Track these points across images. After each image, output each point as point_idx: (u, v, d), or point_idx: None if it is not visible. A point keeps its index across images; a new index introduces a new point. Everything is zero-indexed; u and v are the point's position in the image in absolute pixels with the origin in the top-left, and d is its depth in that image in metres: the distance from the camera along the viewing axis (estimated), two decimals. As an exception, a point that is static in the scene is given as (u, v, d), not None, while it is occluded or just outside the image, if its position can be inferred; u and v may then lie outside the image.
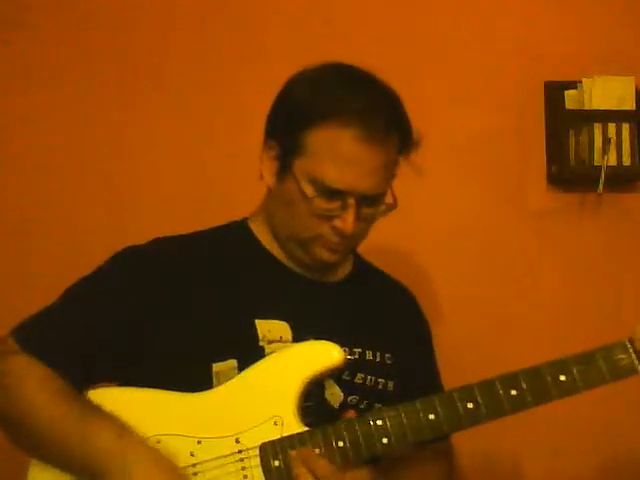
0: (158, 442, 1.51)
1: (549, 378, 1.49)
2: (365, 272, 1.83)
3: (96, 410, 1.52)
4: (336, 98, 1.58)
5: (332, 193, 1.57)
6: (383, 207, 1.64)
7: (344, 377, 1.63)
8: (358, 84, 1.62)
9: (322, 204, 1.59)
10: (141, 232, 1.73)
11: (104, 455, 1.46)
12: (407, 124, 1.65)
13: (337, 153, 1.56)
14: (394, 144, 1.62)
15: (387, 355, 1.71)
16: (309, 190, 1.58)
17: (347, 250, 1.69)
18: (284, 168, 1.62)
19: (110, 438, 1.47)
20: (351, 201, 1.58)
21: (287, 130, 1.61)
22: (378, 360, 1.70)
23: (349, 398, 1.64)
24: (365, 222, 1.64)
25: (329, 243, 1.63)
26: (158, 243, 1.70)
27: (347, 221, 1.58)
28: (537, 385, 1.49)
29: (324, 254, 1.65)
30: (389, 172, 1.63)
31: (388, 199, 1.65)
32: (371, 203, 1.62)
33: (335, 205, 1.59)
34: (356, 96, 1.59)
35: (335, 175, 1.56)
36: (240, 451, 1.51)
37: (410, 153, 1.66)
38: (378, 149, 1.57)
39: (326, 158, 1.57)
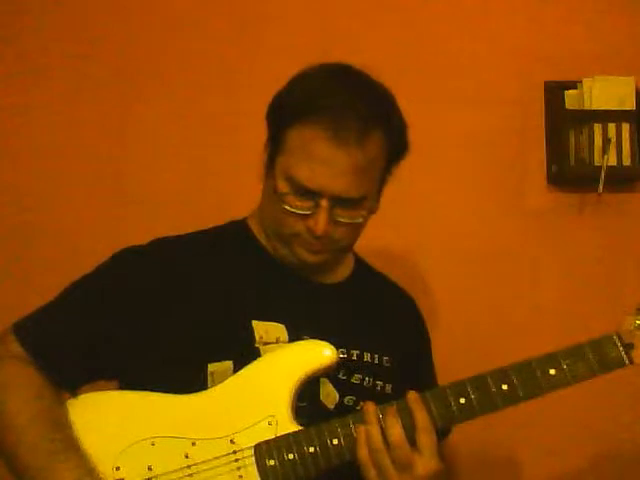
0: (152, 445, 1.52)
1: (539, 372, 1.50)
2: (365, 274, 1.82)
3: (69, 446, 1.51)
4: (311, 97, 1.57)
5: (304, 192, 1.57)
6: (363, 212, 1.62)
7: (340, 377, 1.63)
8: (339, 84, 1.60)
9: (295, 202, 1.58)
10: (141, 232, 1.74)
11: None
12: (396, 127, 1.62)
13: (309, 152, 1.56)
14: (375, 146, 1.58)
15: (385, 358, 1.71)
16: (283, 187, 1.58)
17: (329, 253, 1.66)
18: (270, 165, 1.63)
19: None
20: (323, 202, 1.57)
21: (272, 128, 1.63)
22: (376, 362, 1.69)
23: (345, 399, 1.64)
24: (345, 226, 1.61)
25: (306, 243, 1.62)
26: (157, 243, 1.71)
27: (318, 222, 1.57)
28: (528, 379, 1.50)
29: (304, 254, 1.64)
30: (369, 175, 1.59)
31: (374, 205, 1.64)
32: (348, 206, 1.59)
33: (308, 204, 1.58)
34: (333, 96, 1.56)
35: (306, 174, 1.56)
36: (235, 452, 1.51)
37: (400, 158, 1.65)
38: (351, 151, 1.55)
39: (300, 156, 1.57)
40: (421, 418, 1.48)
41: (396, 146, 1.63)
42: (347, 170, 1.56)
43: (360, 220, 1.62)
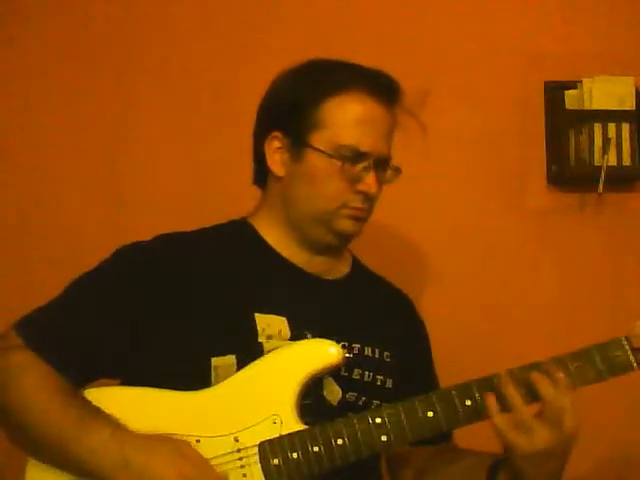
0: None
1: (547, 375, 1.49)
2: (363, 273, 1.85)
3: (93, 409, 1.53)
4: (342, 72, 1.68)
5: (356, 157, 1.64)
6: (390, 172, 1.72)
7: (342, 373, 1.64)
8: (351, 63, 1.71)
9: (347, 170, 1.65)
10: (141, 231, 1.74)
11: (99, 452, 1.48)
12: (402, 95, 1.73)
13: (356, 117, 1.65)
14: (397, 110, 1.71)
15: (386, 353, 1.72)
16: (336, 157, 1.64)
17: (366, 218, 1.72)
18: (300, 148, 1.67)
19: (105, 435, 1.49)
20: (371, 163, 1.66)
21: (297, 111, 1.67)
22: (377, 357, 1.71)
23: (347, 395, 1.64)
24: (380, 187, 1.70)
25: (353, 211, 1.68)
26: (160, 239, 1.72)
27: (370, 182, 1.66)
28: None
29: (347, 224, 1.69)
30: (393, 134, 1.72)
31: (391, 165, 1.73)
32: (382, 167, 1.70)
33: (358, 169, 1.65)
34: (358, 69, 1.70)
35: (358, 138, 1.65)
36: (239, 450, 1.51)
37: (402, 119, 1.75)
38: (389, 112, 1.69)
39: (347, 124, 1.65)
40: (563, 378, 1.48)
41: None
42: (387, 129, 1.70)
43: (389, 180, 1.72)
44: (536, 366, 1.51)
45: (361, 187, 1.66)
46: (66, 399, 1.54)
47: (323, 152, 1.65)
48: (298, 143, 1.67)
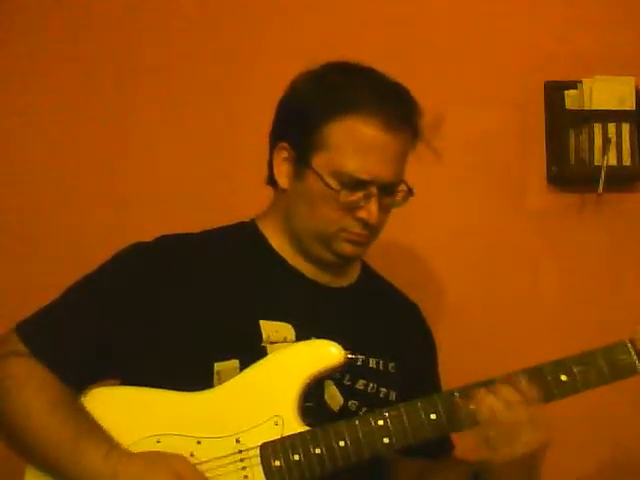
0: (158, 442, 1.51)
1: (550, 378, 1.50)
2: (371, 280, 1.82)
3: (90, 427, 1.52)
4: (352, 90, 1.61)
5: (356, 184, 1.59)
6: (400, 195, 1.66)
7: (345, 382, 1.63)
8: (368, 77, 1.65)
9: (347, 196, 1.60)
10: (142, 232, 1.73)
11: (94, 474, 1.47)
12: (418, 115, 1.66)
13: (359, 143, 1.59)
14: (413, 129, 1.64)
15: (391, 364, 1.70)
16: (333, 183, 1.60)
17: (369, 242, 1.68)
18: (302, 166, 1.63)
19: (99, 456, 1.48)
20: (374, 190, 1.60)
21: (302, 128, 1.62)
22: (381, 368, 1.69)
23: (349, 403, 1.63)
24: (385, 212, 1.66)
25: (352, 236, 1.64)
26: (164, 240, 1.70)
27: (371, 211, 1.60)
28: (538, 385, 1.49)
29: (347, 248, 1.65)
30: (405, 161, 1.65)
31: (402, 187, 1.68)
32: (390, 192, 1.64)
33: (358, 196, 1.60)
34: (371, 87, 1.62)
35: (357, 165, 1.58)
36: (240, 451, 1.51)
37: (418, 143, 1.68)
38: (397, 137, 1.60)
39: (348, 149, 1.59)
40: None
41: (419, 127, 1.67)
42: (395, 156, 1.62)
43: (399, 203, 1.67)
44: (537, 370, 1.51)
45: (360, 214, 1.61)
46: (62, 411, 1.53)
47: (321, 177, 1.60)
48: (301, 161, 1.63)
